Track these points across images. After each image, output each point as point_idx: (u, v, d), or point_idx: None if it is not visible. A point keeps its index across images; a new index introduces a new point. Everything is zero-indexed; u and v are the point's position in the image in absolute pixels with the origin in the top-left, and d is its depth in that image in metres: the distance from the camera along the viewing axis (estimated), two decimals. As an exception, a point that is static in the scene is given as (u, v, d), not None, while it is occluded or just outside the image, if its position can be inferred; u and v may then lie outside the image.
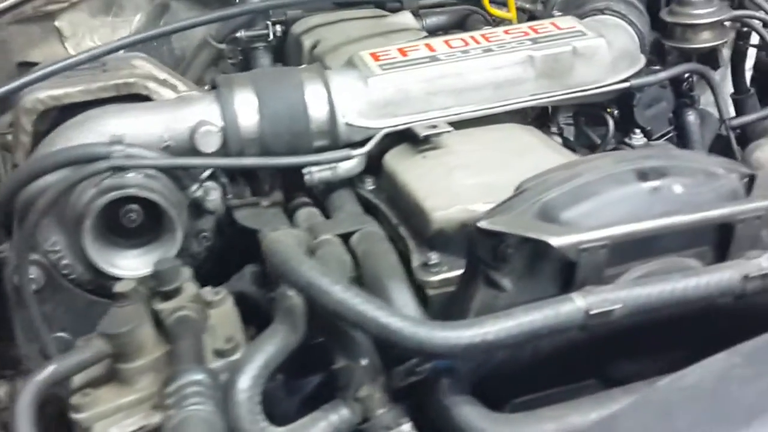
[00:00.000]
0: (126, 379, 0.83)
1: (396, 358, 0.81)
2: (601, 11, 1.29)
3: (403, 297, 0.84)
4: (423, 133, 1.07)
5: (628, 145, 1.37)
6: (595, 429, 0.74)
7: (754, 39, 1.58)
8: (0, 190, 1.05)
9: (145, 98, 1.17)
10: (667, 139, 1.44)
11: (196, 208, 1.08)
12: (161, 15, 1.62)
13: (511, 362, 0.84)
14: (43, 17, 1.44)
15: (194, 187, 1.05)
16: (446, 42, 1.18)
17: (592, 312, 0.76)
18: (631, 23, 1.27)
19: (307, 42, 1.46)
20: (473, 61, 1.13)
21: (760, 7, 1.44)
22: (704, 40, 1.38)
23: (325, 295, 0.76)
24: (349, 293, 0.75)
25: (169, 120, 1.05)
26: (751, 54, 1.64)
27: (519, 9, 1.53)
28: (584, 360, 0.85)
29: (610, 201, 0.81)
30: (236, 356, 0.83)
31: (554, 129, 1.37)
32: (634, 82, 1.21)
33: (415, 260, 0.95)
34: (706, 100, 1.66)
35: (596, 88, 1.18)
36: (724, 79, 1.68)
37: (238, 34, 1.45)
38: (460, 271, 0.89)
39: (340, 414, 0.79)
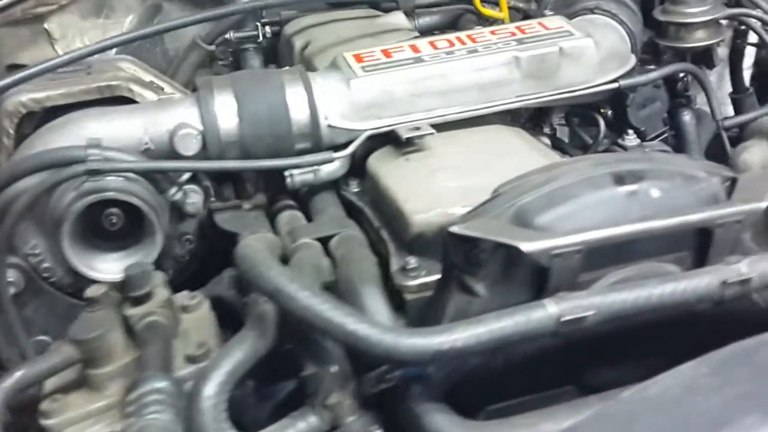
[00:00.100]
0: (96, 385, 0.82)
1: (367, 365, 0.80)
2: (591, 11, 1.27)
3: (376, 303, 0.83)
4: (405, 135, 1.06)
5: (621, 146, 1.36)
6: None
7: (753, 38, 1.56)
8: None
9: (129, 101, 1.16)
10: (662, 140, 1.43)
11: (178, 211, 1.08)
12: (153, 16, 1.62)
13: (485, 368, 0.82)
14: (33, 19, 1.43)
15: (173, 190, 1.04)
16: (431, 43, 1.17)
17: (564, 319, 0.74)
18: (621, 22, 1.25)
19: (298, 43, 1.45)
20: (458, 62, 1.12)
21: (756, 5, 1.42)
22: (698, 39, 1.36)
23: (292, 302, 0.74)
24: (316, 299, 0.74)
25: (149, 123, 1.04)
26: (750, 52, 1.62)
27: (513, 8, 1.52)
28: (561, 366, 0.84)
29: (586, 205, 0.80)
30: (208, 362, 0.82)
31: (547, 130, 1.35)
32: (624, 82, 1.19)
33: (394, 264, 0.94)
34: (702, 99, 1.64)
35: (584, 88, 1.16)
36: (722, 78, 1.66)
37: (227, 36, 1.45)
38: (438, 276, 0.88)
39: (309, 421, 0.78)
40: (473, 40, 1.16)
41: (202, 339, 0.87)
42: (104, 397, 0.82)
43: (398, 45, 1.17)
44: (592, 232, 0.75)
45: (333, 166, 1.08)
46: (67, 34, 1.48)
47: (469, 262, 0.82)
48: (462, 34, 1.19)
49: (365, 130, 1.09)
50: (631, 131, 1.36)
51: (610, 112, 1.39)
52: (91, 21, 1.52)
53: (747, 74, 1.62)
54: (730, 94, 1.62)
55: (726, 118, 1.30)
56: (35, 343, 1.06)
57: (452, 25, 1.54)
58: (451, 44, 1.16)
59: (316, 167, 1.07)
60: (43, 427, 0.81)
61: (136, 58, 1.53)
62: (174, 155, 1.04)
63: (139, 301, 0.84)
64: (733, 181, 0.84)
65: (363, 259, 0.90)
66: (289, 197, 1.13)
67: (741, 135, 1.39)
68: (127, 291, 0.84)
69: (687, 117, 1.46)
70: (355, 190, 1.11)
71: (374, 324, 0.74)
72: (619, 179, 0.81)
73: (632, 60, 1.22)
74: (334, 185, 1.13)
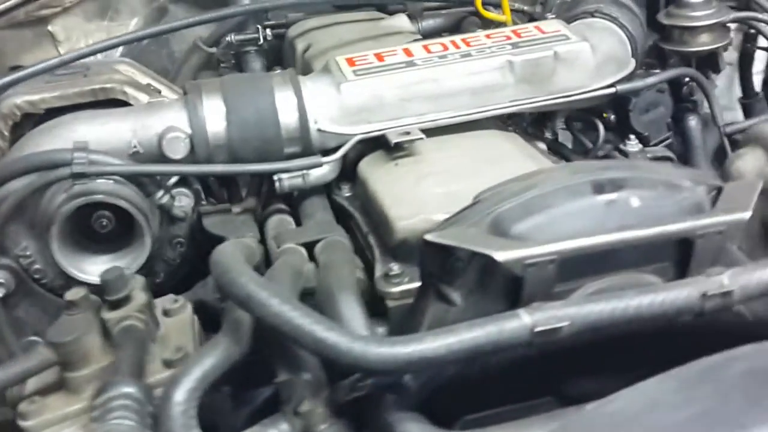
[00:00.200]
0: (73, 388, 0.83)
1: (341, 373, 0.79)
2: (591, 14, 1.25)
3: (351, 310, 0.82)
4: (394, 140, 1.05)
5: (622, 152, 1.34)
6: None
7: (763, 42, 1.53)
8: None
9: (125, 103, 1.17)
10: (666, 145, 1.40)
11: (168, 214, 1.08)
12: (159, 18, 1.62)
13: (462, 377, 0.81)
14: (36, 22, 1.44)
15: (160, 193, 1.04)
16: (425, 47, 1.16)
17: (537, 329, 0.73)
18: (621, 26, 1.23)
19: (300, 45, 1.45)
20: (450, 66, 1.11)
21: (765, 9, 1.39)
22: (702, 43, 1.34)
23: (262, 308, 0.74)
24: (286, 306, 0.73)
25: (138, 126, 1.04)
26: (761, 57, 1.59)
27: (518, 11, 1.50)
28: (540, 377, 0.82)
29: (563, 214, 0.78)
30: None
31: (548, 134, 1.34)
32: (621, 87, 1.17)
33: (378, 270, 0.93)
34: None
35: (580, 93, 1.14)
36: (732, 82, 1.64)
37: (228, 38, 1.45)
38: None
39: (280, 429, 0.77)
40: (468, 44, 1.15)
41: (181, 343, 0.87)
42: (81, 400, 0.82)
43: (391, 49, 1.16)
44: (566, 241, 0.74)
45: (322, 171, 1.08)
46: (71, 37, 1.49)
47: (445, 270, 0.81)
48: (457, 38, 1.18)
49: (355, 135, 1.08)
50: (633, 136, 1.34)
51: (613, 117, 1.37)
52: (96, 23, 1.54)
53: (758, 79, 1.59)
54: (739, 99, 1.59)
55: (728, 124, 1.27)
56: (26, 343, 1.07)
57: (455, 28, 1.53)
58: (445, 48, 1.15)
59: (305, 171, 1.07)
60: (21, 428, 0.82)
61: (143, 60, 1.55)
62: (162, 158, 1.04)
63: (116, 305, 0.84)
64: (719, 191, 0.83)
65: (342, 265, 0.89)
66: (281, 201, 1.13)
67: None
68: (105, 295, 0.84)
69: (693, 122, 1.44)
70: (347, 194, 1.11)
71: (343, 332, 0.73)
72: (599, 188, 0.79)
73: (631, 64, 1.20)
74: (326, 189, 1.13)
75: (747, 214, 0.78)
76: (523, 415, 0.82)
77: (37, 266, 1.08)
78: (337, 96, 1.08)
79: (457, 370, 0.80)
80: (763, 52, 1.57)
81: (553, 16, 1.37)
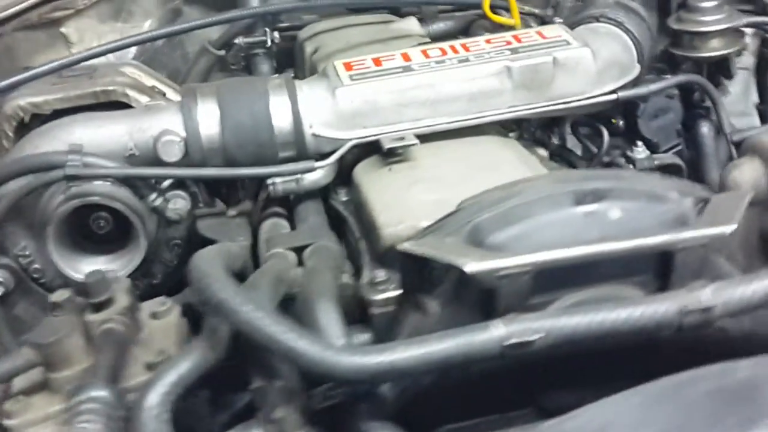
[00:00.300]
0: (55, 388, 0.84)
1: (316, 380, 0.79)
2: (597, 19, 1.24)
3: (328, 318, 0.81)
4: (387, 145, 1.05)
5: (629, 158, 1.32)
6: None
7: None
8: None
9: (127, 106, 1.18)
10: (676, 152, 1.38)
11: (165, 217, 1.09)
12: (173, 20, 1.63)
13: (440, 387, 0.81)
14: (49, 24, 1.46)
15: (153, 196, 1.05)
16: (424, 51, 1.15)
17: (509, 342, 0.72)
18: (627, 31, 1.21)
19: (308, 48, 1.45)
20: (446, 71, 1.10)
21: (780, 14, 1.36)
22: (713, 48, 1.31)
23: (235, 315, 0.74)
24: (258, 314, 0.73)
25: (134, 129, 1.05)
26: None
27: (529, 14, 1.49)
28: (520, 388, 0.82)
29: (541, 225, 0.77)
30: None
31: (555, 140, 1.32)
32: (623, 93, 1.15)
33: (364, 277, 0.93)
34: (729, 109, 1.58)
35: (580, 99, 1.12)
36: (748, 88, 1.60)
37: (236, 41, 1.46)
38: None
39: (252, 435, 0.77)
40: (467, 49, 1.14)
41: (164, 346, 0.87)
42: (63, 401, 0.83)
43: (390, 53, 1.16)
44: (539, 253, 0.73)
45: (317, 175, 1.08)
46: (84, 38, 1.51)
47: (422, 280, 0.81)
48: (457, 43, 1.17)
49: (350, 140, 1.08)
50: (640, 142, 1.32)
51: (621, 123, 1.35)
52: (110, 25, 1.54)
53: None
54: (756, 105, 1.56)
55: (736, 131, 1.24)
56: (23, 342, 1.08)
57: (464, 31, 1.52)
58: (444, 53, 1.14)
59: (299, 176, 1.07)
60: (4, 426, 0.83)
61: (156, 61, 1.57)
62: (158, 161, 1.05)
63: (98, 307, 0.85)
64: (706, 203, 0.81)
65: (324, 271, 0.89)
66: (278, 205, 1.13)
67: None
68: (88, 297, 0.85)
69: (704, 129, 1.41)
70: (344, 199, 1.11)
71: (315, 341, 0.73)
72: (578, 199, 0.78)
73: (635, 70, 1.18)
74: (323, 193, 1.13)
75: (730, 228, 0.76)
76: (501, 426, 0.81)
77: (35, 266, 1.10)
78: (332, 101, 1.08)
79: (434, 379, 0.80)
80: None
81: (561, 20, 1.36)
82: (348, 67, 1.13)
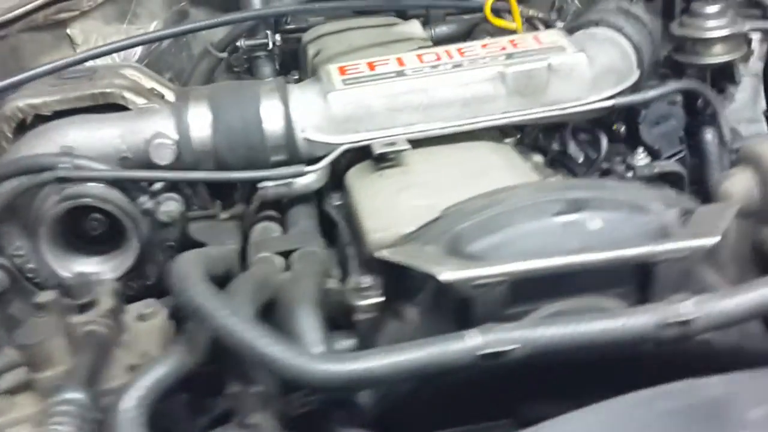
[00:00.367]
0: (39, 389, 0.84)
1: (293, 385, 0.79)
2: (596, 23, 1.22)
3: (307, 323, 0.81)
4: (378, 150, 1.05)
5: (629, 165, 1.31)
6: None
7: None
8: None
9: (125, 108, 1.19)
10: (679, 159, 1.36)
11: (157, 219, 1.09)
12: (179, 22, 1.64)
13: (419, 395, 0.81)
14: (55, 25, 1.47)
15: (143, 198, 1.05)
16: (418, 56, 1.15)
17: (483, 352, 0.71)
18: (627, 37, 1.20)
19: (311, 51, 1.46)
20: (440, 76, 1.09)
21: (786, 20, 1.34)
22: (716, 54, 1.29)
23: (210, 320, 0.74)
24: (232, 319, 0.74)
25: (127, 131, 1.06)
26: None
27: (533, 19, 1.48)
28: (499, 397, 0.81)
29: (519, 234, 0.77)
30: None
31: (556, 146, 1.31)
32: (619, 100, 1.14)
33: (349, 282, 0.92)
34: (737, 116, 1.56)
35: (575, 106, 1.11)
36: (757, 94, 1.58)
37: (238, 43, 1.46)
38: (389, 297, 0.87)
39: (228, 440, 0.77)
40: (462, 54, 1.14)
41: (148, 349, 0.88)
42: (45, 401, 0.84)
43: (384, 58, 1.15)
44: (515, 263, 0.73)
45: (308, 179, 1.08)
46: (90, 40, 1.52)
47: (402, 287, 0.80)
48: (452, 47, 1.16)
49: (342, 144, 1.08)
50: (641, 149, 1.31)
51: (623, 129, 1.34)
52: (115, 26, 1.56)
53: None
54: (764, 111, 1.53)
55: (739, 139, 1.23)
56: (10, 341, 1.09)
57: (467, 35, 1.51)
58: (438, 58, 1.13)
59: (290, 180, 1.07)
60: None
61: (162, 62, 1.59)
62: (150, 164, 1.05)
63: (82, 309, 0.86)
64: (691, 214, 0.80)
65: (306, 277, 0.89)
66: (271, 208, 1.13)
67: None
68: (72, 299, 0.86)
69: (708, 136, 1.39)
70: (337, 203, 1.11)
71: (288, 347, 0.73)
72: (559, 208, 0.77)
73: (633, 77, 1.17)
74: (316, 198, 1.13)
75: (712, 241, 0.75)
76: (480, 436, 0.81)
77: (30, 265, 1.11)
78: (324, 105, 1.08)
79: (413, 387, 0.80)
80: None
81: (562, 24, 1.35)
82: (342, 71, 1.13)
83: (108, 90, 1.18)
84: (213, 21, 1.43)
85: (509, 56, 1.12)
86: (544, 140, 1.30)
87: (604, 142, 1.24)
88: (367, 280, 0.91)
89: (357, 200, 1.03)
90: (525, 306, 0.76)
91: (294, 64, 1.56)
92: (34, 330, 0.84)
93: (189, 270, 0.78)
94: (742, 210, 0.95)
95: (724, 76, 1.34)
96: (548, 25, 1.44)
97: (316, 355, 0.73)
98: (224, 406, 0.86)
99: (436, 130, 1.09)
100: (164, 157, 1.04)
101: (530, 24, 1.50)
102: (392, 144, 1.05)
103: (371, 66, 1.13)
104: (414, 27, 1.48)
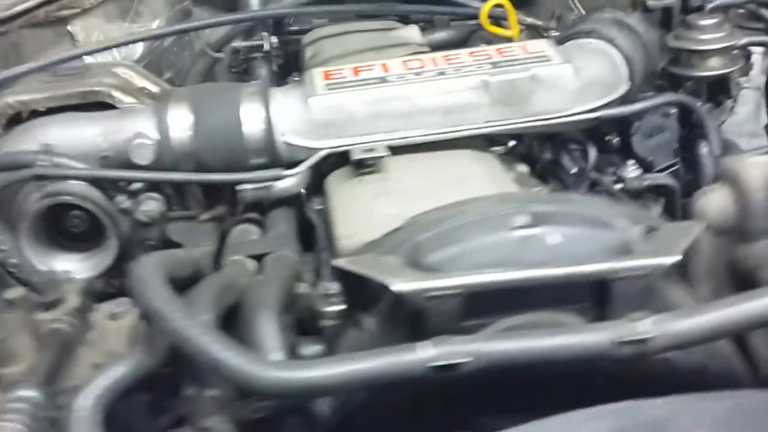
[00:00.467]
0: (2, 384, 0.85)
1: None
2: (588, 34, 1.21)
3: (266, 329, 0.81)
4: (356, 156, 1.04)
5: (620, 177, 1.29)
6: None
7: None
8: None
9: (113, 107, 1.20)
10: (672, 172, 1.34)
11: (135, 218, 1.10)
12: (182, 21, 1.65)
13: (376, 404, 0.80)
14: (56, 22, 1.49)
15: (121, 197, 1.06)
16: (404, 63, 1.14)
17: (434, 364, 0.71)
18: (618, 48, 1.19)
19: (308, 53, 1.46)
20: (423, 84, 1.09)
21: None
22: (712, 68, 1.27)
23: (165, 323, 0.75)
24: (185, 323, 0.74)
25: (109, 131, 1.07)
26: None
27: (531, 27, 1.47)
28: (456, 409, 0.80)
29: (478, 247, 0.76)
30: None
31: (548, 155, 1.30)
32: (605, 112, 1.12)
33: (318, 289, 0.92)
34: (738, 129, 1.54)
35: (559, 117, 1.10)
36: (759, 107, 1.55)
37: (235, 44, 1.47)
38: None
39: (182, 443, 0.78)
40: (447, 62, 1.13)
41: (115, 348, 0.88)
42: (9, 397, 0.84)
43: (369, 63, 1.15)
44: (468, 276, 0.72)
45: (287, 183, 1.08)
46: (91, 37, 1.53)
47: (361, 296, 0.80)
48: (438, 55, 1.16)
49: (322, 149, 1.08)
50: (631, 161, 1.29)
51: (616, 140, 1.32)
52: (117, 24, 1.57)
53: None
54: (766, 126, 1.51)
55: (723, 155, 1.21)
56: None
57: (464, 41, 1.50)
58: (423, 65, 1.13)
59: (269, 183, 1.07)
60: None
61: (164, 60, 1.60)
62: (130, 164, 1.06)
63: (49, 306, 0.87)
64: (655, 231, 0.79)
65: (271, 281, 0.89)
66: (253, 211, 1.14)
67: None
68: (40, 296, 0.87)
69: (704, 149, 1.37)
70: (318, 207, 1.11)
71: (240, 353, 0.73)
72: (517, 222, 0.77)
73: (621, 88, 1.16)
74: (299, 201, 1.13)
75: (672, 259, 0.74)
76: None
77: (12, 260, 1.12)
78: (305, 109, 1.08)
79: (368, 396, 0.80)
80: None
81: (556, 33, 1.34)
82: (326, 75, 1.13)
83: (96, 88, 1.19)
84: (210, 21, 1.45)
85: (494, 65, 1.11)
86: (539, 149, 1.29)
87: (593, 153, 1.23)
88: (335, 287, 0.91)
89: (334, 205, 1.03)
90: (481, 319, 0.76)
91: (296, 66, 1.56)
92: (1, 326, 0.86)
93: (148, 273, 0.79)
94: (717, 228, 0.94)
95: (720, 89, 1.32)
96: (547, 34, 1.43)
97: (267, 363, 0.73)
98: (181, 408, 0.87)
99: (417, 137, 1.09)
100: (144, 157, 1.05)
101: (529, 32, 1.50)
102: (371, 150, 1.05)
103: (355, 71, 1.13)
104: (412, 32, 1.48)
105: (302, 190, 1.10)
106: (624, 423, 0.60)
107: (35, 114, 1.20)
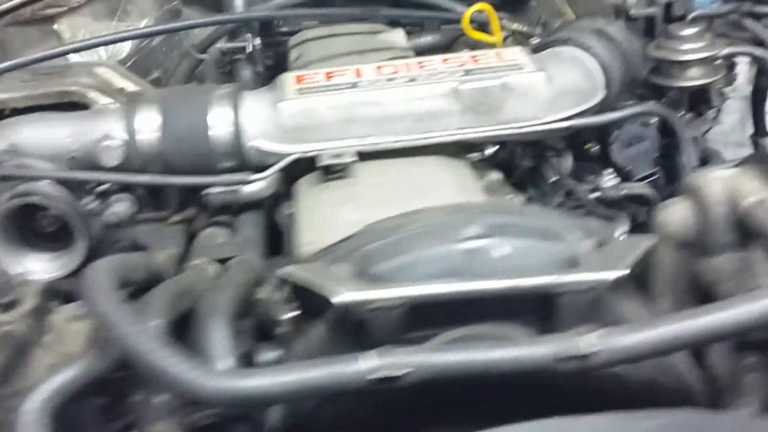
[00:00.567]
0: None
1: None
2: (565, 42, 1.20)
3: (215, 335, 0.81)
4: (324, 161, 1.04)
5: (596, 186, 1.29)
6: None
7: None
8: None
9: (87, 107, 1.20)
10: (652, 182, 1.33)
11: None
12: (171, 21, 1.66)
13: (323, 413, 0.80)
14: (42, 20, 1.50)
15: (88, 199, 1.07)
16: (378, 68, 1.14)
17: (374, 376, 0.71)
18: (595, 56, 1.18)
19: (293, 55, 1.46)
20: (393, 90, 1.09)
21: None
22: (691, 78, 1.26)
23: (111, 329, 0.75)
24: (130, 329, 0.74)
25: (78, 132, 1.07)
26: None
27: (517, 32, 1.47)
28: (404, 420, 0.80)
29: (423, 258, 0.76)
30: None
31: (528, 162, 1.29)
32: (577, 122, 1.12)
33: (276, 295, 0.92)
34: (724, 139, 1.53)
35: (530, 125, 1.10)
36: (746, 118, 1.54)
37: (218, 46, 1.47)
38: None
39: (129, 448, 0.78)
40: (421, 68, 1.13)
41: (73, 350, 0.89)
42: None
43: (343, 68, 1.15)
44: (409, 288, 0.72)
45: (255, 187, 1.08)
46: (77, 35, 1.54)
47: (311, 304, 0.80)
48: (412, 61, 1.15)
49: (291, 154, 1.08)
50: (609, 170, 1.29)
51: (596, 148, 1.32)
52: (105, 23, 1.57)
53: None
54: (750, 136, 1.50)
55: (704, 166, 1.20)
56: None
57: (449, 46, 1.50)
58: (396, 71, 1.13)
59: (237, 187, 1.07)
60: None
61: (152, 59, 1.60)
62: (99, 165, 1.06)
63: (5, 308, 0.87)
64: (605, 245, 0.78)
65: (228, 286, 0.89)
66: (225, 214, 1.14)
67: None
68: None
69: (685, 159, 1.36)
70: (289, 212, 1.11)
71: (181, 361, 0.72)
72: (464, 234, 0.76)
73: (596, 97, 1.15)
74: (270, 205, 1.13)
75: (617, 274, 0.73)
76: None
77: (-19, 260, 1.13)
78: (273, 113, 1.08)
79: (316, 405, 0.80)
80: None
81: (536, 41, 1.33)
82: (298, 80, 1.13)
83: (72, 88, 1.20)
84: (194, 22, 1.45)
85: (467, 72, 1.10)
86: (521, 156, 1.28)
87: (568, 161, 1.22)
88: (287, 294, 0.91)
89: (300, 210, 1.03)
90: (425, 331, 0.75)
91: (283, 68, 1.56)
92: (-45, 328, 0.86)
93: (99, 277, 0.79)
94: (679, 241, 0.93)
95: (701, 99, 1.31)
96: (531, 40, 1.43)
97: (207, 371, 0.73)
98: (131, 414, 0.87)
99: (387, 143, 1.09)
100: (111, 158, 1.05)
101: (515, 38, 1.50)
102: (339, 156, 1.05)
103: (328, 76, 1.13)
104: (397, 36, 1.48)
105: (271, 194, 1.10)
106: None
107: (17, 112, 1.21)
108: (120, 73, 1.32)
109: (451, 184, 1.04)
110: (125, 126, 1.06)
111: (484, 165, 1.18)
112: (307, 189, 1.07)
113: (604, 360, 0.72)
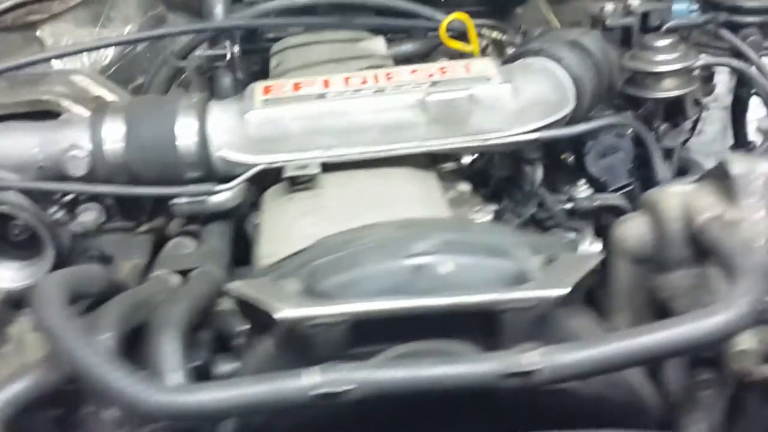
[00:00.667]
0: None
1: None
2: (537, 53, 1.20)
3: (165, 348, 0.81)
4: (288, 173, 1.04)
5: (570, 197, 1.28)
6: None
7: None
8: None
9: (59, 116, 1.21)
10: (626, 193, 1.33)
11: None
12: (156, 28, 1.66)
13: (276, 427, 0.80)
14: (24, 26, 1.50)
15: (54, 208, 1.07)
16: (346, 79, 1.14)
17: (317, 392, 0.71)
18: (566, 67, 1.17)
19: (273, 63, 1.46)
20: (360, 101, 1.09)
21: (748, 56, 1.30)
22: (666, 89, 1.26)
23: (56, 342, 0.75)
24: (77, 342, 0.74)
25: (45, 141, 1.08)
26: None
27: (496, 42, 1.47)
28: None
29: (368, 275, 0.76)
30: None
31: (503, 173, 1.29)
32: (544, 134, 1.11)
33: (234, 307, 0.93)
34: (706, 149, 1.52)
35: (496, 137, 1.09)
36: (726, 128, 1.53)
37: (198, 52, 1.47)
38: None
39: (78, 460, 0.78)
40: (389, 79, 1.13)
41: (30, 360, 0.89)
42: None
43: (311, 79, 1.15)
44: (350, 304, 0.72)
45: (222, 197, 1.08)
46: (60, 42, 1.54)
47: (261, 318, 0.80)
48: (381, 72, 1.15)
49: (257, 165, 1.08)
50: (582, 181, 1.28)
51: (571, 159, 1.32)
52: (88, 30, 1.58)
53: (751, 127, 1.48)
54: (730, 146, 1.49)
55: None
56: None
57: (427, 55, 1.50)
58: (364, 81, 1.13)
59: (203, 197, 1.07)
60: None
61: (136, 66, 1.61)
62: (66, 175, 1.07)
63: (-37, 319, 0.88)
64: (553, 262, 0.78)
65: (183, 298, 0.89)
66: (195, 224, 1.14)
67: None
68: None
69: (662, 169, 1.36)
70: (256, 222, 1.11)
71: (124, 375, 0.73)
72: (415, 250, 0.76)
73: (565, 109, 1.14)
74: (241, 215, 1.13)
75: (560, 292, 0.73)
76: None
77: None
78: (241, 124, 1.08)
79: (265, 420, 0.80)
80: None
81: (511, 50, 1.33)
82: (266, 90, 1.13)
83: (44, 97, 1.20)
84: (174, 29, 1.45)
85: (434, 84, 1.10)
86: (499, 166, 1.28)
87: (539, 172, 1.22)
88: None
89: (263, 222, 1.03)
90: (370, 347, 0.75)
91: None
92: None
93: (47, 291, 0.79)
94: (635, 256, 0.93)
95: (676, 110, 1.30)
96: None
97: (151, 385, 0.73)
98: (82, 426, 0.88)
99: (353, 154, 1.08)
100: (78, 168, 1.06)
101: (495, 47, 1.49)
102: (304, 167, 1.05)
103: (296, 86, 1.13)
104: (377, 44, 1.47)
105: (238, 204, 1.10)
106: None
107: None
108: (97, 81, 1.33)
109: (416, 197, 1.04)
110: (91, 136, 1.06)
111: (453, 176, 1.18)
112: (272, 200, 1.07)
113: (547, 377, 0.72)
